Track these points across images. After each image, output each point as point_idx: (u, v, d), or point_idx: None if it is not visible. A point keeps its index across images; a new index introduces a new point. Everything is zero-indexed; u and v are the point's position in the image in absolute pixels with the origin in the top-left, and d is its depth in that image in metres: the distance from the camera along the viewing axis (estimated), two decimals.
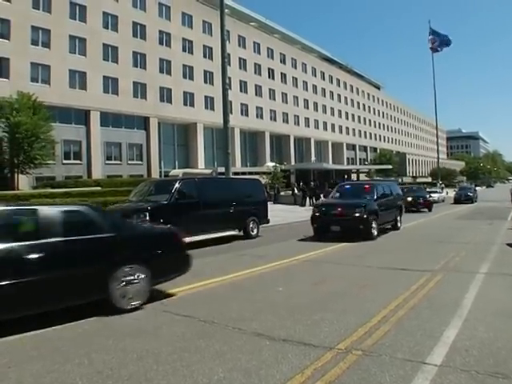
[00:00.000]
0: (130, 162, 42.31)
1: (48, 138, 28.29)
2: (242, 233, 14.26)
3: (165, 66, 45.55)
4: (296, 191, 36.40)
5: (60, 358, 4.15)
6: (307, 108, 68.87)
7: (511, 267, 8.50)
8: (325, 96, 74.45)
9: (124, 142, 41.71)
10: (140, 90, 42.92)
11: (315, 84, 71.63)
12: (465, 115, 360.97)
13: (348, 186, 17.08)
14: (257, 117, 57.86)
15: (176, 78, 46.41)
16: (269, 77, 60.61)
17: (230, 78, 31.86)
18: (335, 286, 7.19)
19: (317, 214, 13.88)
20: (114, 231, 5.85)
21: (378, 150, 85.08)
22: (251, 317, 5.42)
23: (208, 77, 49.61)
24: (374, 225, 13.40)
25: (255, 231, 14.65)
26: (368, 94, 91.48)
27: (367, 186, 15.67)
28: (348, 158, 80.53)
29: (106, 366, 3.95)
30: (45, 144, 28.01)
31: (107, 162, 40.17)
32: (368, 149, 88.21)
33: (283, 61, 64.10)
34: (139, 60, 43.01)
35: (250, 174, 39.18)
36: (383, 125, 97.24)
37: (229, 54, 35.71)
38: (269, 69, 60.60)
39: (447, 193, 47.70)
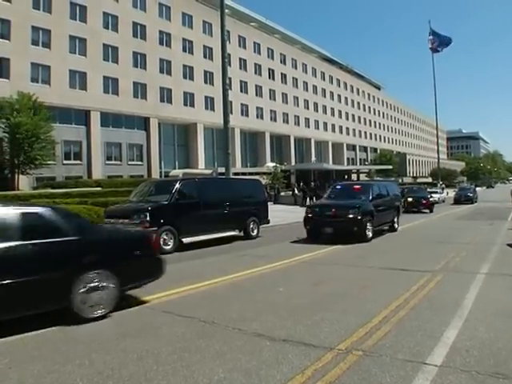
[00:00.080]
0: (130, 163, 42.31)
1: (48, 139, 28.33)
2: (242, 233, 14.25)
3: (165, 67, 45.56)
4: (296, 191, 36.43)
5: (60, 359, 4.15)
6: (307, 108, 68.88)
7: (511, 267, 8.50)
8: (325, 96, 74.46)
9: (124, 142, 41.72)
10: (140, 90, 42.94)
11: (315, 84, 71.64)
12: (465, 115, 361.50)
13: (342, 187, 16.62)
14: (257, 117, 57.87)
15: (176, 78, 46.42)
16: (269, 77, 60.62)
17: (230, 79, 31.83)
18: (335, 287, 7.19)
19: (309, 216, 13.54)
20: (79, 234, 5.47)
21: (379, 151, 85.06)
22: (251, 317, 5.42)
23: (208, 77, 49.62)
24: (368, 226, 13.00)
25: (255, 231, 14.66)
26: (368, 95, 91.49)
27: (362, 187, 15.35)
28: (348, 159, 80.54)
29: (107, 366, 3.95)
30: (45, 144, 28.04)
31: (107, 162, 40.18)
32: (368, 149, 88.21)
33: (283, 61, 64.11)
34: (139, 60, 43.03)
35: (251, 174, 39.21)
36: (383, 125, 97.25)
37: (229, 55, 35.69)
38: (269, 69, 60.61)
39: (447, 193, 47.68)
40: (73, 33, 36.98)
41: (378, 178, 50.39)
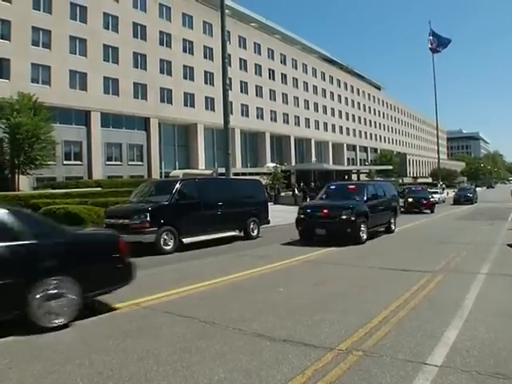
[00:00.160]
0: (130, 163, 42.33)
1: (48, 139, 28.36)
2: (242, 233, 14.25)
3: (165, 67, 45.59)
4: (296, 192, 36.42)
5: (60, 359, 4.15)
6: (308, 108, 68.90)
7: (511, 268, 8.51)
8: (325, 96, 74.48)
9: (124, 142, 41.74)
10: (140, 90, 42.96)
11: (316, 84, 71.66)
12: (465, 116, 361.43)
13: (336, 187, 16.14)
14: (257, 117, 57.89)
15: (176, 78, 46.44)
16: (269, 77, 60.64)
17: (230, 79, 31.82)
18: (335, 287, 7.19)
19: (302, 217, 13.16)
20: (37, 238, 5.09)
21: (379, 151, 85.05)
22: (252, 317, 5.42)
23: (208, 77, 49.64)
24: (362, 228, 12.59)
25: (256, 232, 14.67)
26: (368, 95, 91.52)
27: (357, 187, 15.00)
28: (348, 159, 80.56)
29: (107, 366, 3.95)
30: (45, 145, 28.07)
31: (108, 162, 40.20)
32: (368, 149, 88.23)
33: (284, 61, 64.13)
34: (140, 61, 43.05)
35: (251, 174, 39.22)
36: (384, 125, 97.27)
37: (229, 55, 35.72)
38: (269, 69, 60.63)
39: (448, 193, 47.65)
40: (73, 33, 37.01)
41: (379, 179, 50.37)
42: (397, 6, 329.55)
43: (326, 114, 74.18)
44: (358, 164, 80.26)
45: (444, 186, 58.48)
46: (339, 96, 79.10)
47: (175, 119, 46.60)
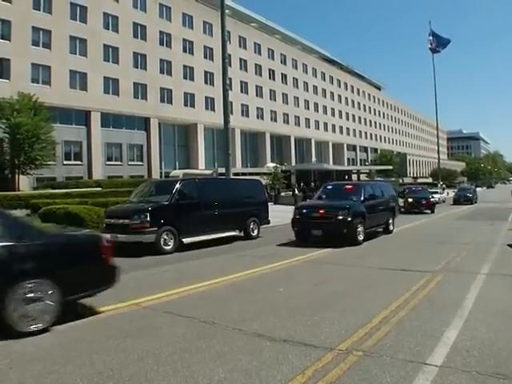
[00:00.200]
0: (130, 163, 42.34)
1: (49, 139, 28.35)
2: (242, 233, 14.25)
3: (165, 67, 45.60)
4: (297, 192, 36.36)
5: (61, 359, 4.15)
6: (308, 109, 68.90)
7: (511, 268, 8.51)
8: (325, 97, 74.49)
9: (124, 142, 41.75)
10: (140, 90, 42.97)
11: (316, 85, 71.67)
12: (465, 116, 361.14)
13: (333, 187, 15.91)
14: (257, 117, 57.89)
15: (176, 78, 46.45)
16: (269, 77, 60.65)
17: (230, 79, 31.79)
18: (335, 287, 7.20)
19: (297, 217, 12.92)
20: (13, 240, 4.89)
21: (379, 151, 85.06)
22: (252, 317, 5.42)
23: (208, 77, 49.65)
24: (359, 229, 12.35)
25: (256, 232, 14.66)
26: (369, 95, 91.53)
27: (354, 187, 14.80)
28: (349, 159, 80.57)
29: (107, 366, 3.95)
30: (45, 145, 28.06)
31: (108, 162, 40.21)
32: (368, 149, 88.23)
33: (284, 61, 64.15)
34: (140, 61, 43.06)
35: (251, 174, 39.23)
36: (384, 125, 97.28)
37: (229, 55, 35.71)
38: (269, 69, 60.64)
39: (448, 193, 47.63)
40: (73, 33, 37.02)
41: (379, 179, 50.37)
42: (397, 6, 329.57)
43: (326, 114, 74.19)
44: (358, 164, 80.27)
45: (444, 186, 58.47)
46: (339, 96, 79.12)
47: (175, 119, 46.61)
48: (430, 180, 77.17)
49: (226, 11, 20.66)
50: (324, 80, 74.53)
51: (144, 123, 43.63)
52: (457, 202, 36.10)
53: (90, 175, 37.86)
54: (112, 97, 40.13)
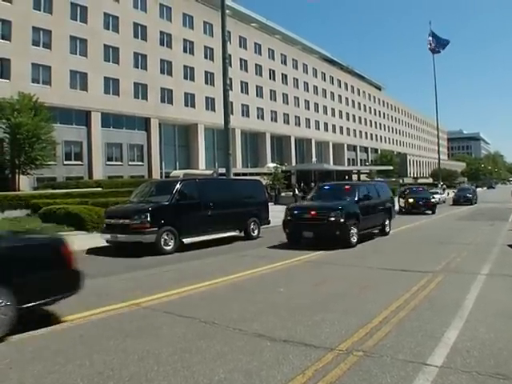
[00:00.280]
0: (130, 163, 42.35)
1: (49, 139, 28.35)
2: (242, 234, 14.25)
3: (166, 67, 45.62)
4: (297, 192, 36.35)
5: (61, 359, 4.14)
6: (308, 109, 68.92)
7: None
8: (326, 97, 74.50)
9: (125, 142, 41.77)
10: (141, 90, 42.99)
11: (316, 85, 71.68)
12: (466, 116, 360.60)
13: (327, 187, 15.48)
14: (258, 118, 57.91)
15: (177, 78, 46.46)
16: (270, 78, 60.67)
17: (230, 79, 31.76)
18: (336, 287, 7.19)
19: (288, 218, 12.49)
20: None
21: (379, 151, 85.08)
22: (252, 317, 5.42)
23: (209, 78, 49.67)
24: (353, 230, 11.90)
25: (256, 232, 14.66)
26: (369, 95, 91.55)
27: (347, 187, 14.34)
28: (349, 159, 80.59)
29: (107, 366, 3.95)
30: (46, 145, 28.07)
31: (108, 162, 40.23)
32: (369, 149, 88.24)
33: (284, 62, 64.16)
34: (140, 61, 43.08)
35: (251, 174, 39.25)
36: (384, 126, 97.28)
37: (230, 55, 35.68)
38: (270, 70, 60.65)
39: (448, 194, 47.60)
40: (73, 33, 37.04)
41: (379, 179, 50.38)
42: (397, 7, 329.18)
43: (326, 114, 74.20)
44: (359, 164, 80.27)
45: (444, 186, 58.46)
46: (340, 96, 79.13)
47: (176, 119, 46.62)
48: (430, 180, 77.18)
49: (227, 11, 20.69)
50: (324, 80, 74.54)
51: (144, 123, 43.65)
52: (456, 202, 35.92)
53: (91, 175, 37.88)
54: (112, 97, 40.15)
